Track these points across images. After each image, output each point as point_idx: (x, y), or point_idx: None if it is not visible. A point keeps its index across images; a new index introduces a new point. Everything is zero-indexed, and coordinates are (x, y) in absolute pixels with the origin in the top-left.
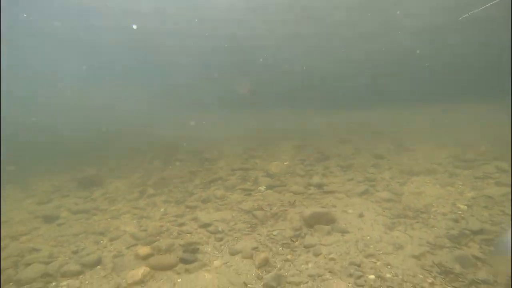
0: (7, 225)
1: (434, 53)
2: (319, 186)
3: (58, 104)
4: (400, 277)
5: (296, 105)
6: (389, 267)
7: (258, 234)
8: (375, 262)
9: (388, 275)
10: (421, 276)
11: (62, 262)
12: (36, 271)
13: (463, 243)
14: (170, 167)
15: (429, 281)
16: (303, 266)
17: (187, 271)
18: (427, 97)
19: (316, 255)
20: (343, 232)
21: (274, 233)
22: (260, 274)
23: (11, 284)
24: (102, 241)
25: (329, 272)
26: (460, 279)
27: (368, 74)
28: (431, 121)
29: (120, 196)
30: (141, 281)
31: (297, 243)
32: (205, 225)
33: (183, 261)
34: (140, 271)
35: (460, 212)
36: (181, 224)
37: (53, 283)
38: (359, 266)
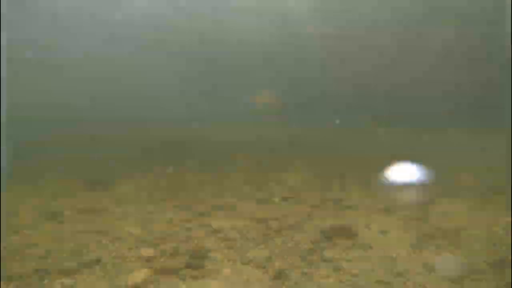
0: (10, 219)
1: None
2: (337, 200)
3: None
4: None
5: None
6: None
7: (273, 244)
8: (404, 282)
9: None
10: None
11: (59, 259)
12: (31, 266)
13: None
14: (183, 171)
15: None
16: (322, 280)
17: (193, 277)
18: None
19: (337, 269)
20: (366, 248)
21: (290, 244)
22: (274, 286)
23: (3, 277)
24: (103, 241)
25: None
26: None
27: None
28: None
29: (128, 198)
30: (142, 284)
31: (315, 256)
32: (215, 232)
33: (190, 266)
34: (142, 273)
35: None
36: (189, 229)
37: (46, 280)
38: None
